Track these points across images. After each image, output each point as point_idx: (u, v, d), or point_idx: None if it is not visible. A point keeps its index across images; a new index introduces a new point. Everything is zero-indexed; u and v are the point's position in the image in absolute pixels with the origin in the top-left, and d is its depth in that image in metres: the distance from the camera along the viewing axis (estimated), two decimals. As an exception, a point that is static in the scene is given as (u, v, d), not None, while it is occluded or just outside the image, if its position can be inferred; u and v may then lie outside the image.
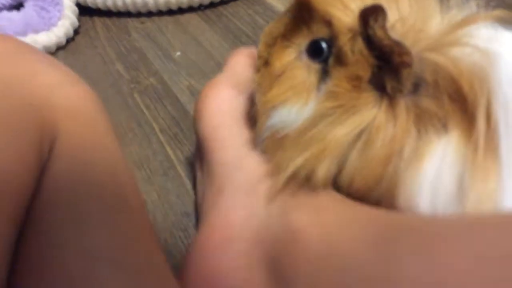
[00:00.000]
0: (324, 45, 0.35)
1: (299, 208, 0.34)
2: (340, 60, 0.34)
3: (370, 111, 0.32)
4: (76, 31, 0.88)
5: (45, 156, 0.33)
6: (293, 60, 0.37)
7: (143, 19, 0.91)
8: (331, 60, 0.35)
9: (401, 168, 0.31)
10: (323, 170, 0.33)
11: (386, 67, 0.32)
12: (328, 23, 0.34)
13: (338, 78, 0.34)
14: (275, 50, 0.38)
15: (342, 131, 0.32)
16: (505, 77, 0.30)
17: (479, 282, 0.23)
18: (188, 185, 0.55)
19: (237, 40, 0.82)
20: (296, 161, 0.34)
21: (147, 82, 0.74)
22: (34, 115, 0.33)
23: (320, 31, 0.36)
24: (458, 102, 0.31)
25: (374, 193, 0.33)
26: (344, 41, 0.33)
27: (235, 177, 0.39)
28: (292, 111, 0.35)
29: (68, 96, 0.38)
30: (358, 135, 0.32)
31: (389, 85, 0.32)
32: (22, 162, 0.31)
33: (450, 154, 0.31)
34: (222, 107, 0.44)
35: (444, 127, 0.31)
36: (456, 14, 0.34)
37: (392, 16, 0.32)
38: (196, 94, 0.70)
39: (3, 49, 0.37)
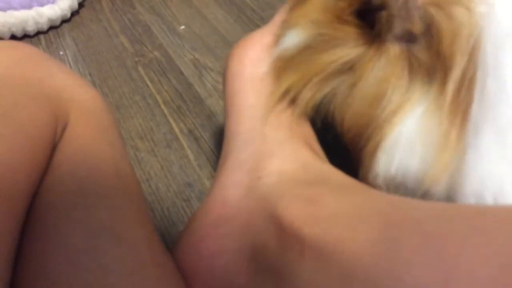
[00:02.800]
0: None
1: (293, 198, 0.33)
2: None
3: (358, 48, 0.33)
4: (81, 4, 0.88)
5: (57, 138, 0.37)
6: None
7: (148, -8, 0.91)
8: None
9: (387, 114, 0.32)
10: (308, 94, 0.36)
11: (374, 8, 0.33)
12: None
13: (326, 8, 0.35)
14: None
15: (324, 59, 0.34)
16: (491, 39, 0.30)
17: None
18: (191, 156, 0.56)
19: (242, 14, 0.81)
20: (286, 82, 0.36)
21: (151, 55, 0.74)
22: (51, 105, 0.37)
23: None
24: (441, 59, 0.31)
25: (364, 135, 0.34)
26: None
27: (242, 150, 0.39)
28: (297, 35, 0.37)
29: (78, 94, 0.42)
30: (343, 67, 0.34)
31: (377, 25, 0.33)
32: (41, 141, 0.34)
33: (429, 111, 0.31)
34: (245, 70, 0.42)
35: (430, 80, 0.32)
36: None
37: None
38: (200, 68, 0.70)
39: (26, 55, 0.41)
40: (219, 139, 0.58)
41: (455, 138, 0.31)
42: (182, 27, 0.80)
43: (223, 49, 0.73)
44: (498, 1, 0.31)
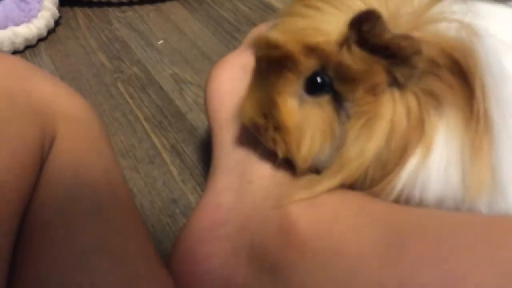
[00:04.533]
0: (319, 78, 0.34)
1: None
2: (346, 77, 0.32)
3: (389, 109, 0.32)
4: (57, 22, 0.87)
5: (45, 154, 0.37)
6: (299, 106, 0.35)
7: (124, 8, 0.91)
8: (336, 84, 0.33)
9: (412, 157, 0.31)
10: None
11: (395, 61, 0.31)
12: (313, 51, 0.33)
13: (357, 95, 0.32)
14: (278, 110, 0.35)
15: (375, 143, 0.32)
16: (489, 50, 0.30)
17: None
18: (174, 172, 0.56)
19: (219, 27, 0.82)
20: (333, 181, 0.33)
21: (130, 71, 0.74)
22: (38, 120, 0.37)
23: (308, 67, 0.34)
24: (458, 76, 0.30)
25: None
26: (341, 57, 0.32)
27: (230, 157, 0.40)
28: (325, 150, 0.34)
29: (66, 105, 0.42)
30: (388, 137, 0.32)
31: (399, 75, 0.31)
32: (29, 157, 0.34)
33: (453, 139, 0.30)
34: (223, 88, 0.45)
35: (441, 105, 0.31)
36: None
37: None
38: (179, 82, 0.70)
39: (10, 67, 0.41)
40: (201, 153, 0.58)
41: (486, 155, 0.30)
42: (160, 42, 0.80)
43: (202, 63, 0.74)
44: (484, 11, 0.31)
